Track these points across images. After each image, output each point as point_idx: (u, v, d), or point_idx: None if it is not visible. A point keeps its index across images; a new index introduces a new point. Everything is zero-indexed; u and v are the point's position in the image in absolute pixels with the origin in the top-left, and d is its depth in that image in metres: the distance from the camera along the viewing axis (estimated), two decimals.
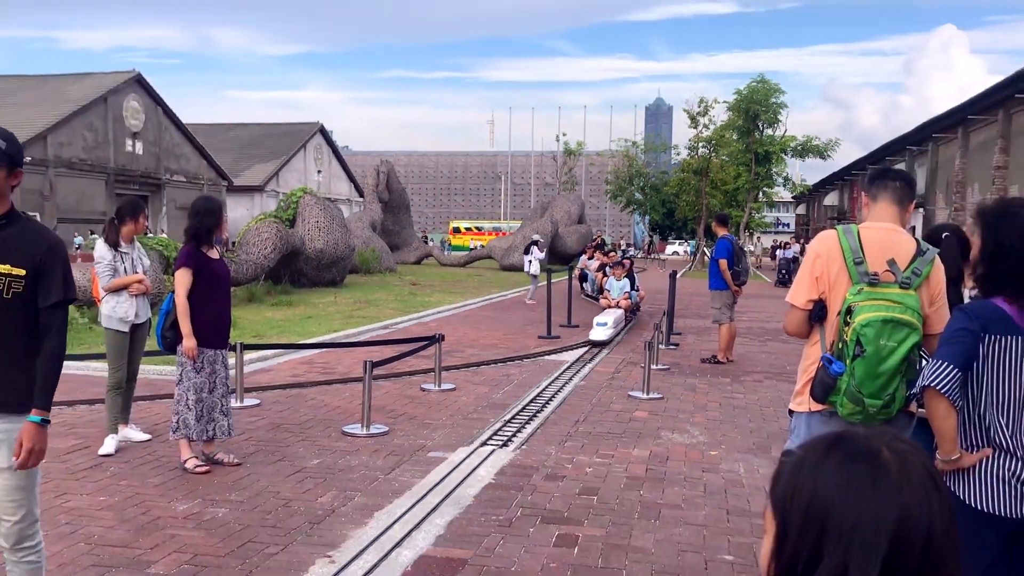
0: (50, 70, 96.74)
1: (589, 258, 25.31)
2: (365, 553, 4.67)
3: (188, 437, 6.18)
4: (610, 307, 15.51)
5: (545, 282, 15.61)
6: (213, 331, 6.27)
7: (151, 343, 7.00)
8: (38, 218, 40.04)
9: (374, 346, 11.46)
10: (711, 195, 45.58)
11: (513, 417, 8.16)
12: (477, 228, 76.46)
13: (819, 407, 3.49)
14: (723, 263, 11.72)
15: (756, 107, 41.74)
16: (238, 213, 52.34)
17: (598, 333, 13.33)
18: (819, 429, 3.46)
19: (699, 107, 44.72)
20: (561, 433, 7.57)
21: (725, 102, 43.77)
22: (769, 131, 43.31)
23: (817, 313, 3.55)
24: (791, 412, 3.72)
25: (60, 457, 6.41)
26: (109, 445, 6.56)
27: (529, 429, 7.69)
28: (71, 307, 13.71)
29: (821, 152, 43.54)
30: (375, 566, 4.50)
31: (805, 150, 43.67)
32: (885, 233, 3.54)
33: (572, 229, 40.38)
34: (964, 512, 2.87)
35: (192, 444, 6.25)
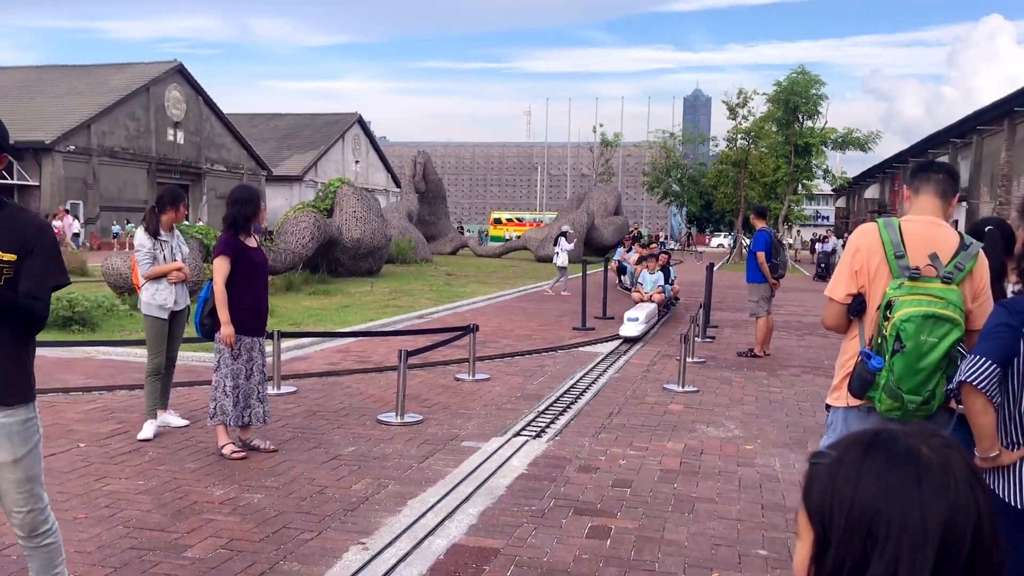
0: (94, 60, 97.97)
1: (627, 250, 25.17)
2: (398, 541, 4.69)
3: (225, 423, 6.25)
4: (642, 301, 15.35)
5: (581, 273, 15.57)
6: (250, 318, 6.33)
7: (190, 330, 7.08)
8: (81, 206, 40.74)
9: (409, 335, 11.52)
10: (749, 187, 45.13)
11: (547, 408, 8.15)
12: (518, 219, 76.18)
13: (856, 402, 3.44)
14: (761, 256, 11.61)
15: (796, 98, 41.24)
16: (277, 203, 52.85)
17: (629, 329, 12.95)
18: (856, 425, 3.41)
19: (738, 98, 44.32)
20: (595, 425, 7.55)
21: (764, 93, 43.41)
22: (809, 123, 42.80)
23: (856, 307, 3.49)
24: (828, 407, 3.67)
25: (100, 441, 6.52)
26: (148, 430, 6.66)
27: (563, 420, 7.68)
28: (112, 293, 13.88)
29: (862, 144, 42.92)
30: (408, 554, 4.52)
31: (845, 142, 43.08)
32: (927, 226, 3.47)
33: (608, 220, 40.23)
34: (1004, 511, 2.81)
35: (229, 430, 6.32)
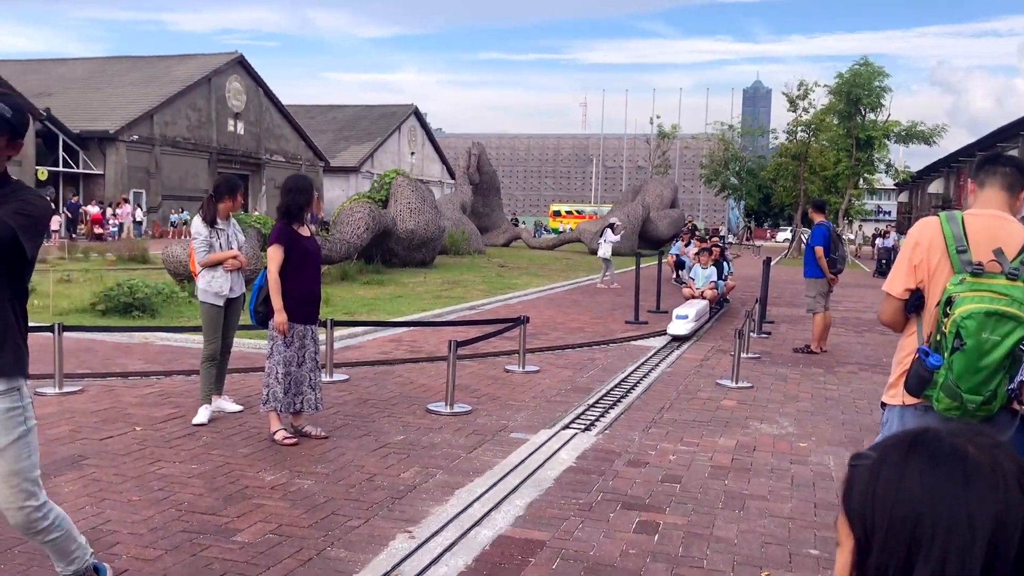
0: (158, 52, 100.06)
1: (686, 244, 24.91)
2: (445, 530, 4.70)
3: (277, 410, 6.33)
4: (693, 297, 14.91)
5: (635, 266, 15.44)
6: (303, 306, 6.39)
7: (245, 317, 7.18)
8: (144, 195, 41.65)
9: (460, 326, 11.55)
10: (809, 181, 44.33)
11: (597, 401, 8.10)
12: (578, 211, 75.72)
13: (913, 401, 3.34)
14: (819, 250, 11.40)
15: (858, 91, 40.36)
16: (334, 193, 53.50)
17: (677, 327, 12.36)
18: (913, 424, 3.31)
19: (799, 90, 43.51)
20: (645, 419, 7.48)
21: (826, 85, 42.50)
22: (872, 116, 41.84)
23: (914, 303, 3.39)
24: (883, 405, 3.57)
25: (155, 425, 6.65)
26: (202, 415, 6.77)
27: (613, 414, 7.62)
28: (172, 280, 14.09)
29: (926, 138, 41.86)
30: (454, 543, 4.52)
31: (909, 136, 42.06)
32: (992, 220, 3.35)
33: (664, 213, 39.87)
34: None
35: (281, 416, 6.40)
